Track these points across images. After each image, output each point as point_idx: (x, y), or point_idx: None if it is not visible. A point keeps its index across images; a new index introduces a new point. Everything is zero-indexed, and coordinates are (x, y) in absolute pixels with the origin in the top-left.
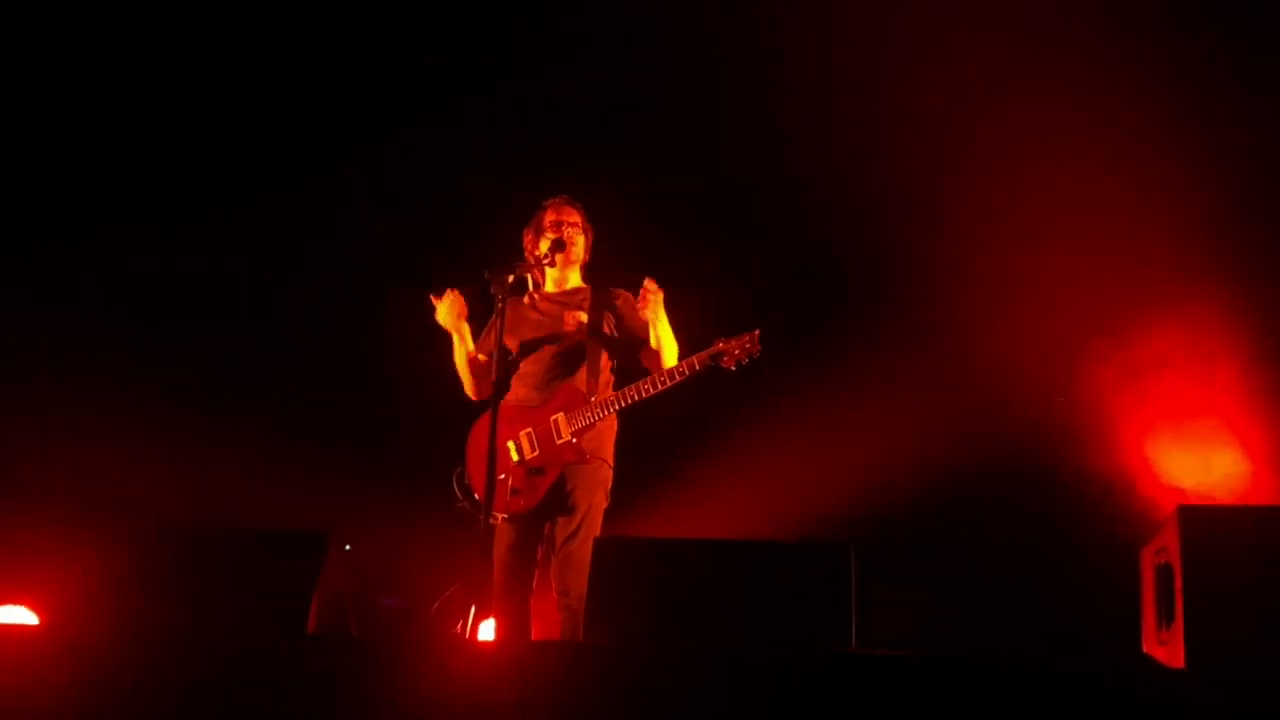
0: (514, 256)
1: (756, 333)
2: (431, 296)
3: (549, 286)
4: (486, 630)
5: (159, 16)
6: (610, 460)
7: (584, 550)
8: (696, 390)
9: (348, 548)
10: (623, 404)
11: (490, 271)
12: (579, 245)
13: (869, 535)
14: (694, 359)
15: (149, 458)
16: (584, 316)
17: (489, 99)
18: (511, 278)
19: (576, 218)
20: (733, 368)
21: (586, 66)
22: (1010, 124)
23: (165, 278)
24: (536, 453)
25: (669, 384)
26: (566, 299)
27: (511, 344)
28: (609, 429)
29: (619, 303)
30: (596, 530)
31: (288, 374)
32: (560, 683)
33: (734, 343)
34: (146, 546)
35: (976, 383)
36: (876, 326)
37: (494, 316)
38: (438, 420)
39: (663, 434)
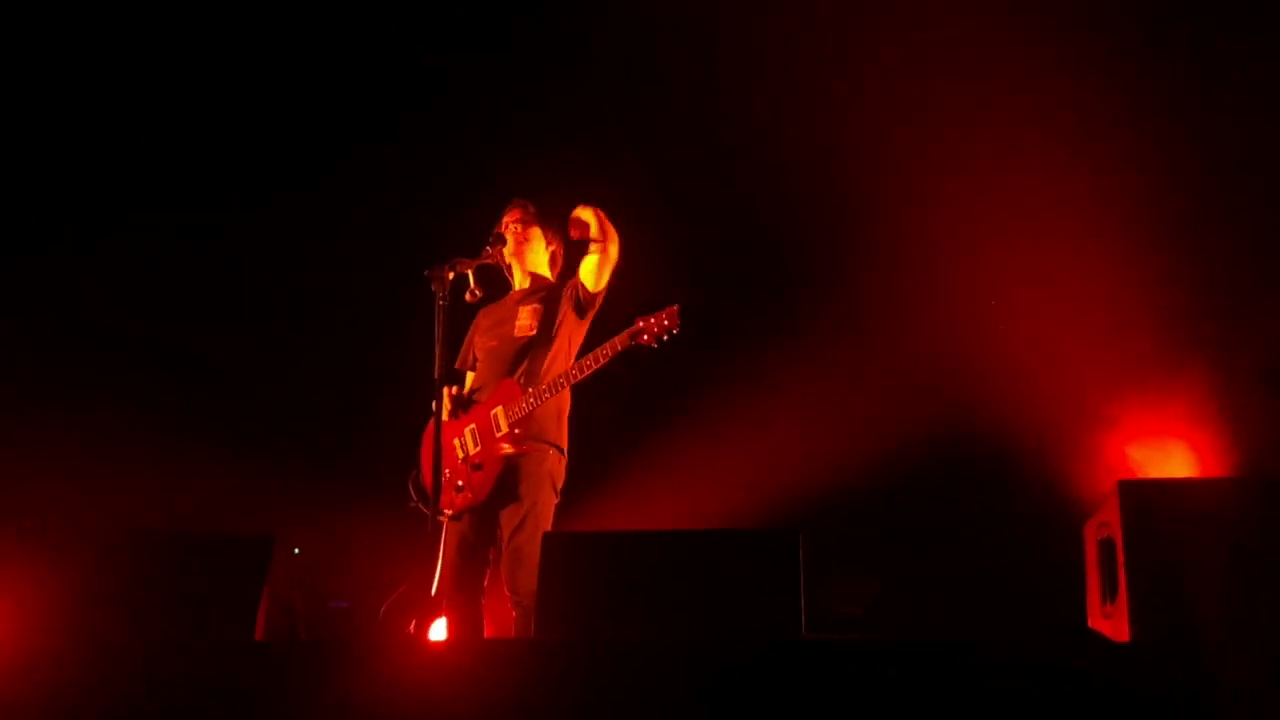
0: (455, 254)
1: (675, 308)
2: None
3: (516, 287)
4: (438, 630)
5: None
6: (559, 445)
7: (532, 546)
8: (637, 380)
9: (296, 551)
10: (552, 392)
11: (429, 270)
12: (519, 243)
13: (816, 521)
14: (614, 340)
15: (94, 464)
16: (527, 314)
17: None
18: (451, 274)
19: (518, 215)
20: (653, 345)
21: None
22: (947, 108)
23: (109, 284)
24: (478, 448)
25: (592, 368)
26: (522, 298)
27: (477, 347)
28: (552, 415)
29: (570, 287)
30: (546, 525)
31: (235, 376)
32: (512, 680)
33: (652, 320)
34: (93, 554)
35: (919, 365)
36: (821, 311)
37: (439, 318)
38: (386, 422)
39: (606, 426)
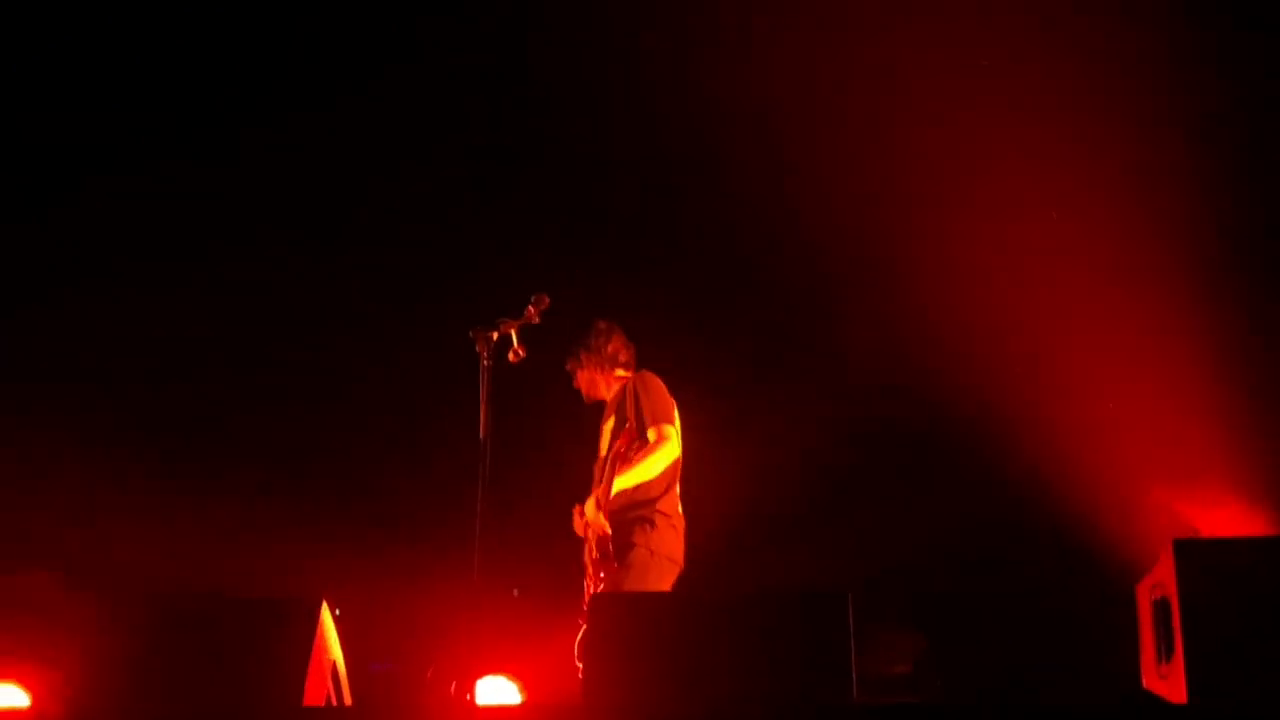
0: (498, 313)
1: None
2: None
3: None
4: (483, 693)
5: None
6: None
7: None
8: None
9: (337, 612)
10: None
11: (474, 330)
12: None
13: (865, 582)
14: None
15: (138, 526)
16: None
17: None
18: (496, 335)
19: (571, 365)
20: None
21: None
22: (966, 133)
23: (146, 336)
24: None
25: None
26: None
27: None
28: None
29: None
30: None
31: (278, 436)
32: None
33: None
34: (136, 618)
35: (974, 424)
36: (865, 366)
37: (484, 385)
38: (432, 483)
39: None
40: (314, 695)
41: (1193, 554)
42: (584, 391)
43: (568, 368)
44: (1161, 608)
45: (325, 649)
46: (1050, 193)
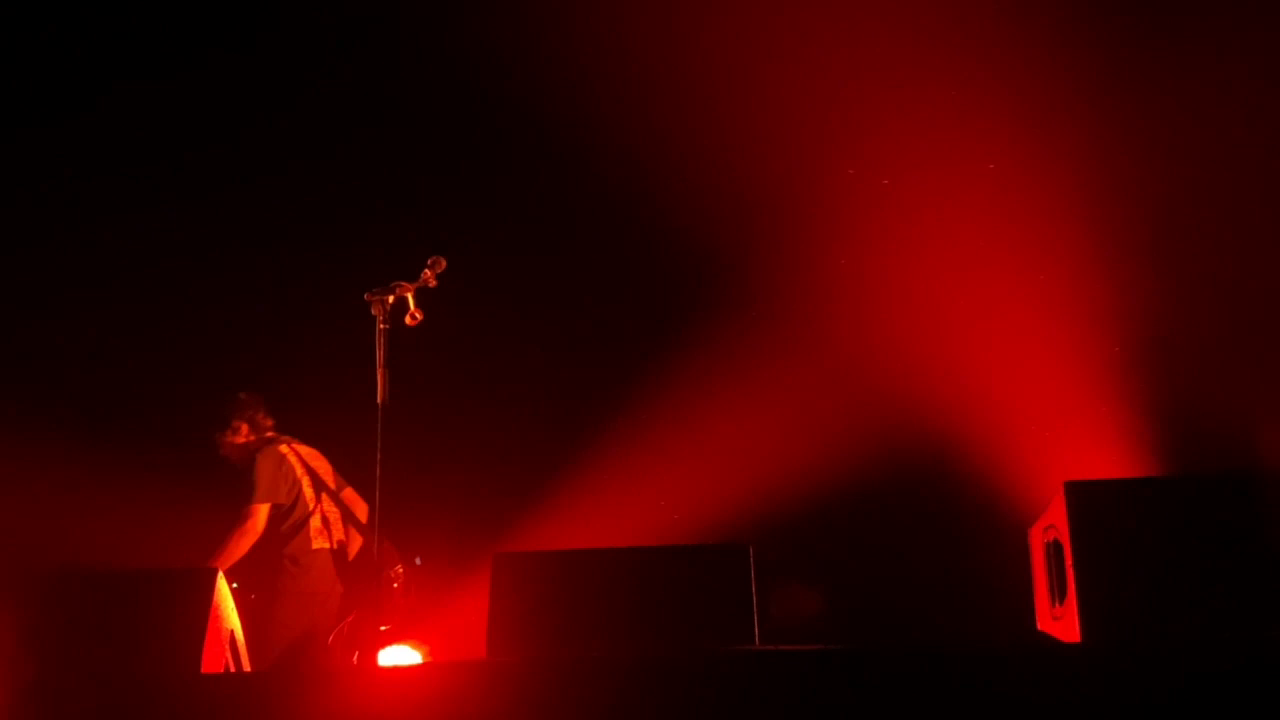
0: (393, 277)
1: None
2: None
3: None
4: (387, 657)
5: None
6: None
7: None
8: (583, 396)
9: (418, 561)
10: None
11: (370, 293)
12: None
13: (764, 534)
14: None
15: (32, 502)
16: None
17: None
18: (392, 298)
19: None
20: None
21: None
22: (885, 118)
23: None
24: None
25: None
26: None
27: None
28: None
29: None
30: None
31: (168, 405)
32: (463, 702)
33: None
34: (31, 592)
35: (859, 373)
36: (764, 323)
37: (380, 348)
38: (328, 447)
39: (551, 443)
40: (212, 663)
41: (1084, 496)
42: (232, 459)
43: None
44: (1054, 550)
45: (222, 618)
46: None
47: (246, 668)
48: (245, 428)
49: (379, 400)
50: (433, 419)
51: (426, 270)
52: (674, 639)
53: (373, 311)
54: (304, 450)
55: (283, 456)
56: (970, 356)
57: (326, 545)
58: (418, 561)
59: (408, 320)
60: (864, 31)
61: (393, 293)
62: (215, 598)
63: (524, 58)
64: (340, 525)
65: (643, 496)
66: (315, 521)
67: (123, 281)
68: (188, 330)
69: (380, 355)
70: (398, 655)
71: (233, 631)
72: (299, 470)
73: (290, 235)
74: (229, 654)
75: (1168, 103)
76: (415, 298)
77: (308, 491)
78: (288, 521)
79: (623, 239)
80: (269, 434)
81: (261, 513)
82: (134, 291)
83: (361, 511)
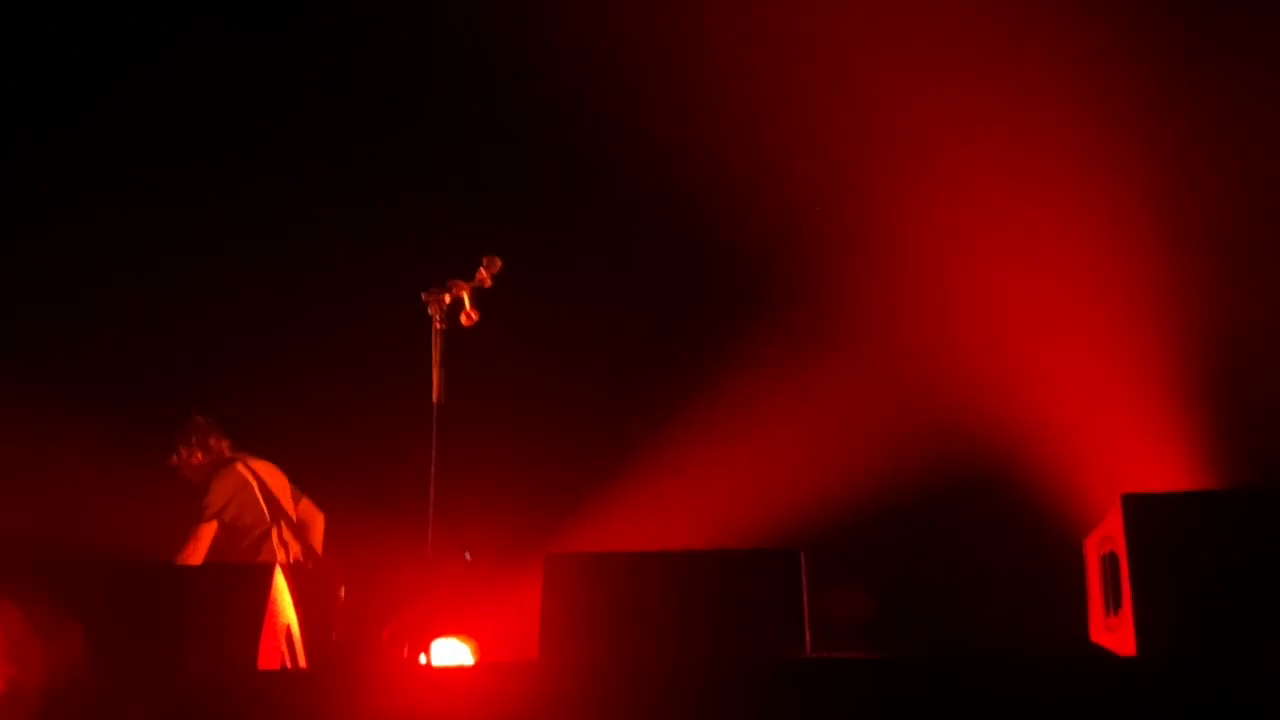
0: (449, 275)
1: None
2: None
3: None
4: (438, 655)
5: None
6: None
7: None
8: (637, 401)
9: (467, 555)
10: None
11: (426, 293)
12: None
13: (816, 538)
14: None
15: (97, 492)
16: None
17: None
18: (448, 298)
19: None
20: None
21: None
22: (938, 116)
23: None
24: None
25: None
26: None
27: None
28: None
29: None
30: None
31: (228, 402)
32: (513, 703)
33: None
34: (90, 586)
35: (916, 381)
36: (819, 327)
37: (436, 348)
38: (378, 445)
39: (605, 445)
40: (268, 659)
41: (1141, 509)
42: (190, 480)
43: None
44: (1110, 561)
45: (279, 613)
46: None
47: (303, 663)
48: (199, 451)
49: (434, 400)
50: (487, 418)
51: (482, 270)
52: (724, 644)
53: (429, 311)
54: (260, 466)
55: (240, 475)
56: (1030, 365)
57: (284, 559)
58: (467, 557)
59: (463, 320)
60: (915, 31)
61: (449, 292)
62: (272, 593)
63: (586, 60)
64: (294, 540)
65: (695, 499)
66: (274, 537)
67: (177, 277)
68: (243, 328)
69: (436, 355)
70: (449, 650)
71: (289, 626)
72: (255, 487)
73: (347, 234)
74: (285, 649)
75: (1244, 102)
76: (471, 297)
77: (265, 508)
78: (248, 539)
79: (680, 241)
80: (227, 454)
81: (206, 531)
82: (187, 287)
83: (318, 523)
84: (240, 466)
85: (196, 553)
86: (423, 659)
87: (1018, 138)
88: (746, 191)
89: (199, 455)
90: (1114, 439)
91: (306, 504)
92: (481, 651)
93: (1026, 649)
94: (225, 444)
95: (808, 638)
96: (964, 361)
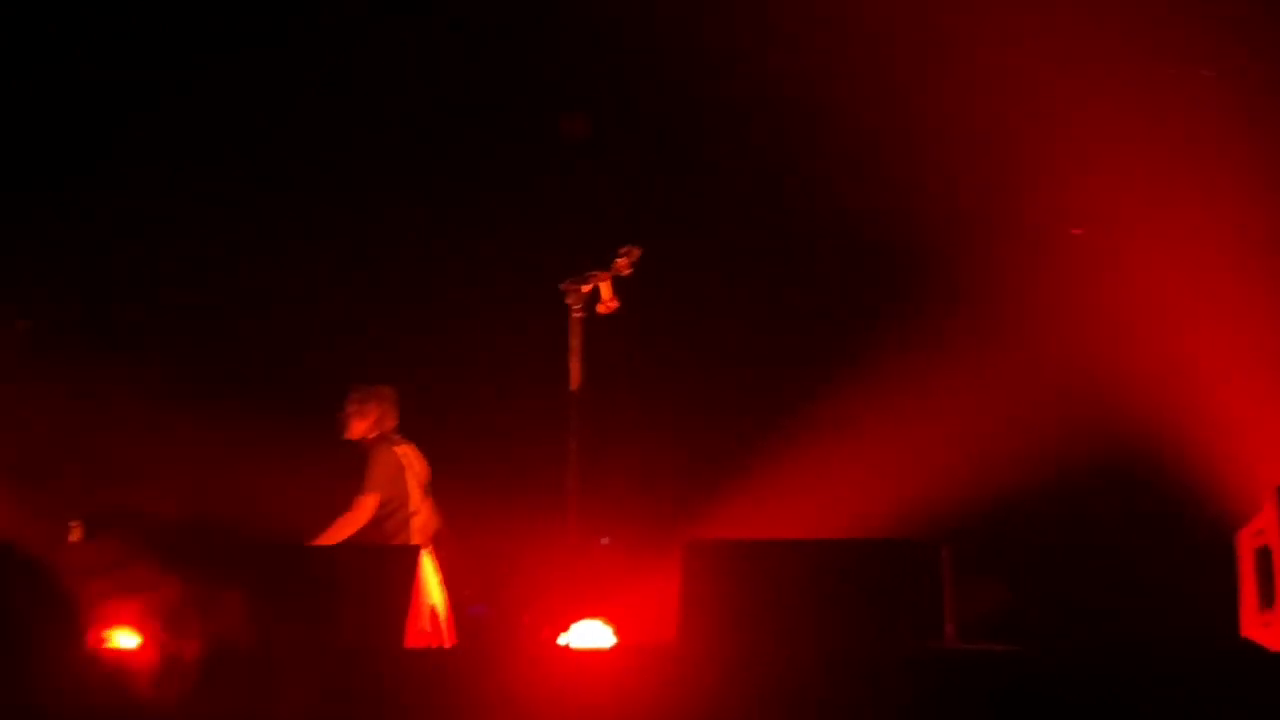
0: (588, 265)
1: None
2: None
3: None
4: (578, 634)
5: None
6: None
7: None
8: (777, 388)
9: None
10: None
11: (566, 283)
12: (347, 429)
13: (958, 529)
14: None
15: (250, 473)
16: None
17: None
18: (587, 287)
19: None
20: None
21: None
22: (1096, 106)
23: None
24: None
25: None
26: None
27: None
28: None
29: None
30: None
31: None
32: (652, 686)
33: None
34: (245, 565)
35: (1064, 371)
36: (965, 318)
37: (575, 336)
38: (524, 433)
39: (748, 431)
40: (415, 638)
41: None
42: (351, 440)
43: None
44: (1263, 556)
45: (426, 594)
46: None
47: (449, 642)
48: (371, 417)
49: (573, 387)
50: (625, 406)
51: (620, 259)
52: (863, 634)
53: (568, 300)
54: (413, 452)
55: (397, 455)
56: (1184, 355)
57: (422, 543)
58: (605, 542)
59: (601, 309)
60: (1083, 21)
61: (588, 281)
62: (419, 573)
63: (733, 49)
64: (431, 528)
65: (835, 487)
66: (417, 521)
67: (323, 265)
68: (388, 316)
69: (574, 343)
70: (589, 632)
71: (434, 607)
72: (409, 470)
73: (489, 223)
74: (432, 629)
75: None
76: (609, 286)
77: (415, 491)
78: (394, 518)
79: (826, 230)
80: (387, 431)
81: (370, 504)
82: (334, 275)
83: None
84: (398, 447)
85: (354, 524)
86: (562, 640)
87: (1177, 129)
88: (896, 182)
89: (369, 419)
90: (1269, 430)
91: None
92: (620, 635)
93: (1175, 643)
94: (392, 423)
95: (948, 630)
96: (1114, 352)
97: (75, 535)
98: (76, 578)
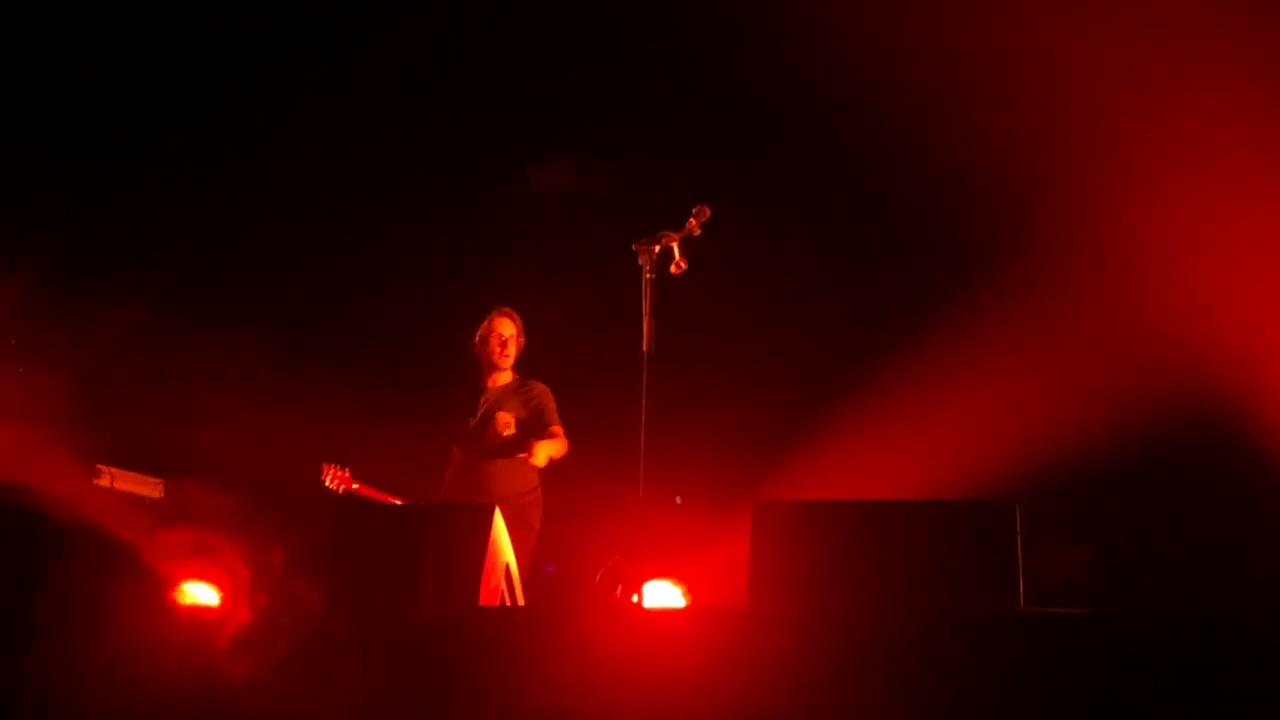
0: (660, 228)
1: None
2: None
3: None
4: (650, 596)
5: None
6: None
7: None
8: (848, 349)
9: (678, 499)
10: None
11: (638, 243)
12: (510, 356)
13: (1032, 491)
14: None
15: (326, 433)
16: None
17: None
18: (658, 248)
19: (512, 329)
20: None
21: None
22: (1159, 71)
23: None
24: None
25: None
26: (501, 393)
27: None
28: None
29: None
30: None
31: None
32: (722, 648)
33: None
34: (320, 522)
35: (1145, 332)
36: (1045, 276)
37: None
38: (596, 394)
39: (814, 392)
40: (489, 597)
41: None
42: (502, 352)
43: (511, 330)
44: None
45: (498, 552)
46: None
47: (520, 602)
48: (523, 348)
49: (645, 348)
50: (697, 367)
51: (691, 219)
52: (936, 595)
53: (639, 261)
54: None
55: None
56: (1260, 319)
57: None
58: (678, 500)
59: (673, 269)
60: None
61: (659, 242)
62: (492, 532)
63: (800, 6)
64: None
65: (907, 449)
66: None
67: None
68: (457, 274)
69: (646, 304)
70: (660, 592)
71: (508, 565)
72: None
73: (560, 185)
74: (504, 587)
75: None
76: (681, 247)
77: None
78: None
79: (895, 190)
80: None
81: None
82: (408, 238)
83: None
84: None
85: (561, 450)
86: (635, 600)
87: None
88: (967, 140)
89: (520, 348)
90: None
91: None
92: (692, 596)
93: (1246, 609)
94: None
95: (1021, 591)
96: (1191, 314)
97: (104, 480)
98: (155, 533)
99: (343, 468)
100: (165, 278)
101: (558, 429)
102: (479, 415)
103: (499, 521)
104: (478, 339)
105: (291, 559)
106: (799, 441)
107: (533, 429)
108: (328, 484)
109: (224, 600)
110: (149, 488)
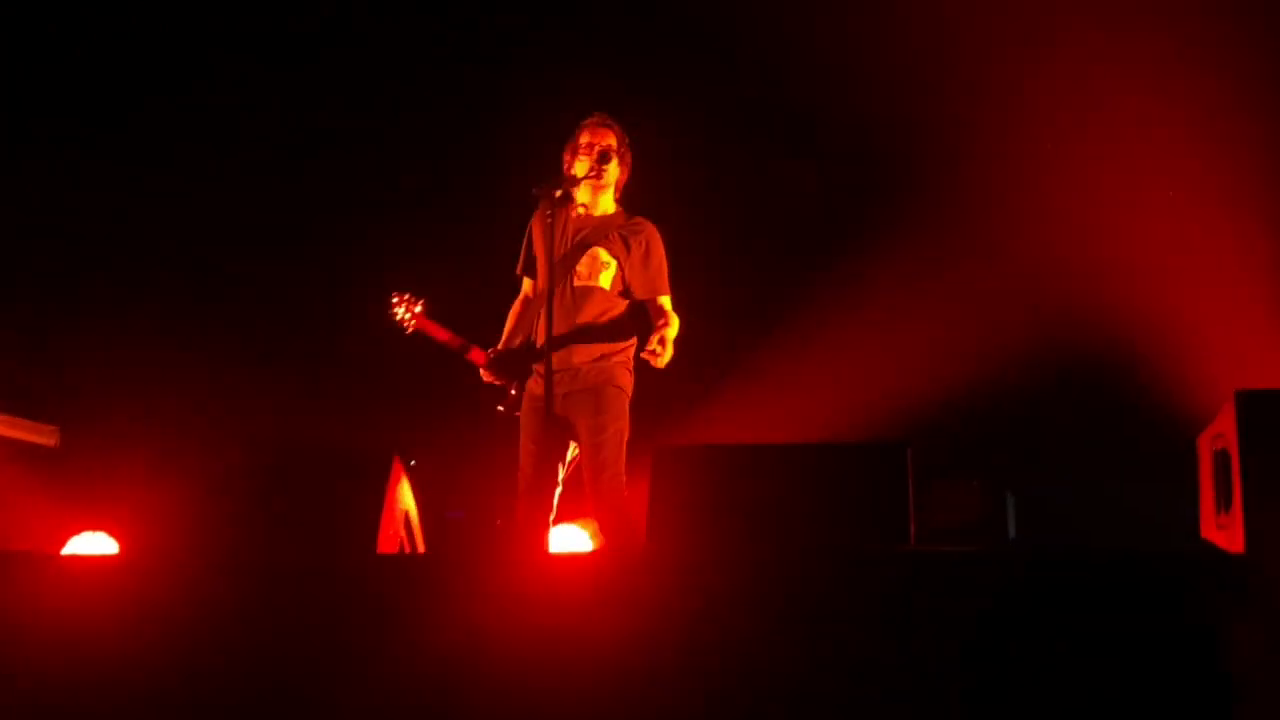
0: (555, 173)
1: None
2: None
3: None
4: (557, 537)
5: None
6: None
7: None
8: (741, 291)
9: (412, 463)
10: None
11: (538, 187)
12: (611, 170)
13: (925, 432)
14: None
15: (220, 382)
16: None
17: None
18: (559, 193)
19: (612, 140)
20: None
21: None
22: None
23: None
24: None
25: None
26: (600, 224)
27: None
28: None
29: (641, 236)
30: None
31: (341, 298)
32: (623, 591)
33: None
34: (218, 468)
35: (1027, 272)
36: (929, 219)
37: (537, 230)
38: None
39: (711, 338)
40: (387, 544)
41: (1255, 405)
42: (602, 167)
43: (610, 139)
44: (1222, 459)
45: (398, 499)
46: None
47: (421, 549)
48: (625, 168)
49: (541, 287)
50: None
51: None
52: (830, 536)
53: (540, 205)
54: None
55: None
56: (1147, 257)
57: None
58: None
59: (572, 213)
60: None
61: (559, 187)
62: (392, 479)
63: None
64: None
65: (803, 392)
66: None
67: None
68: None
69: (545, 246)
70: (567, 536)
71: (407, 512)
72: None
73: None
74: (404, 534)
75: None
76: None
77: None
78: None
79: (790, 136)
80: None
81: None
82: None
83: None
84: None
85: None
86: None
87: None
88: (861, 84)
89: (628, 170)
90: (1231, 333)
91: None
92: (599, 538)
93: (1135, 544)
94: None
95: (912, 531)
96: (1077, 252)
97: (53, 440)
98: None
99: (416, 298)
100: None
101: (668, 296)
102: (571, 244)
103: (400, 467)
104: (567, 152)
105: (194, 507)
106: (702, 387)
107: (638, 286)
108: (397, 316)
109: (122, 548)
110: (42, 435)
